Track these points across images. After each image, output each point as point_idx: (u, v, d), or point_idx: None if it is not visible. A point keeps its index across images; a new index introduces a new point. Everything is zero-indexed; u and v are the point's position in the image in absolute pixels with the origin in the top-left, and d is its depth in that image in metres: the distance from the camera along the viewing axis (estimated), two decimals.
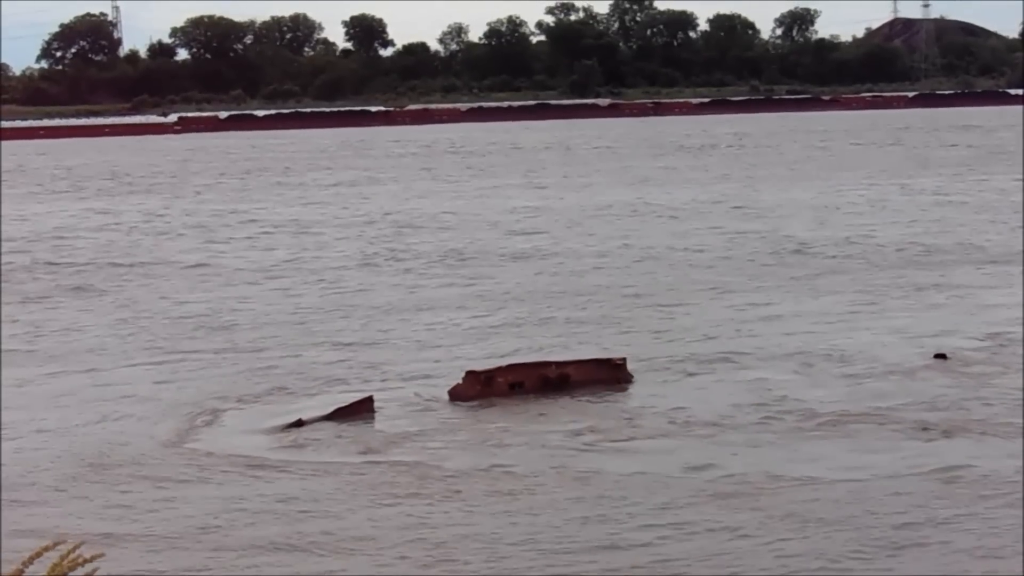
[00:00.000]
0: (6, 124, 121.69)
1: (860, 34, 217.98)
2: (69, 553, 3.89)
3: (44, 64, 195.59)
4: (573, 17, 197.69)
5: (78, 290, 24.43)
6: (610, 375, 15.42)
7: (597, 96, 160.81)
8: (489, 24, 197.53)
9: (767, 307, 20.55)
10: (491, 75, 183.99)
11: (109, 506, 11.34)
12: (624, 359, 15.69)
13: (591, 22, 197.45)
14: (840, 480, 11.44)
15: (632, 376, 15.48)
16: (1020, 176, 43.90)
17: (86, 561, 3.99)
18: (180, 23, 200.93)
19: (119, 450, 13.04)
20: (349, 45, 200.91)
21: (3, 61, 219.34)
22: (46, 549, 4.18)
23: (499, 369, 15.20)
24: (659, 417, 13.81)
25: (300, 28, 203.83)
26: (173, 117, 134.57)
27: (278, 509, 11.10)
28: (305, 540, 10.31)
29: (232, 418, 14.27)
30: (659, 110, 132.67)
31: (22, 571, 4.15)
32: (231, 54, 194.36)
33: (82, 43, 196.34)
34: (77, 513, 11.17)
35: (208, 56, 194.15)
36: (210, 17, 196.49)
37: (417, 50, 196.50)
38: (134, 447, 13.13)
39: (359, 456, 12.64)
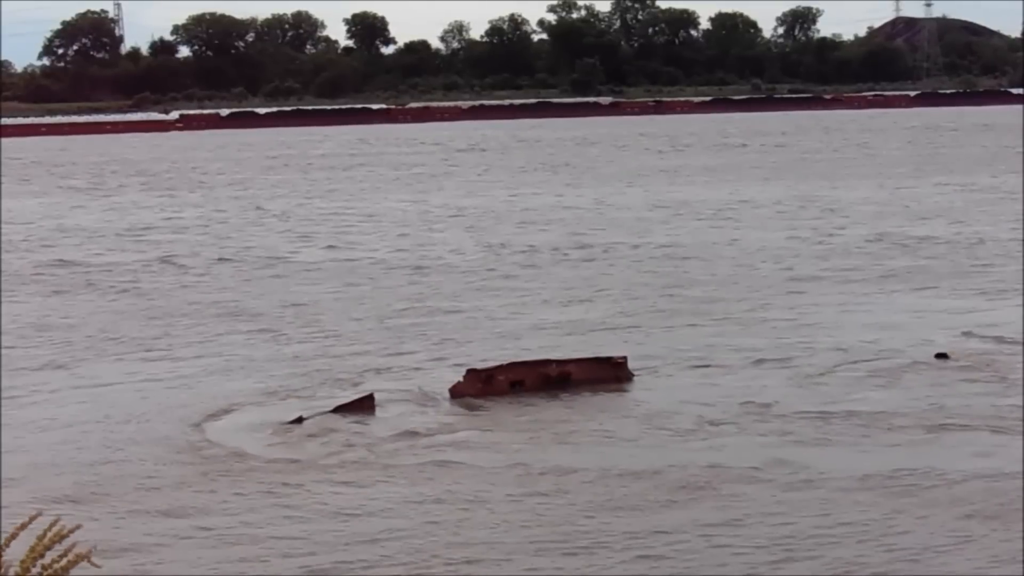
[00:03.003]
0: (7, 121, 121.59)
1: (862, 33, 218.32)
2: (46, 532, 3.79)
3: (46, 61, 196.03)
4: (575, 15, 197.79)
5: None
6: (611, 374, 15.37)
7: (598, 95, 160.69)
8: (491, 22, 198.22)
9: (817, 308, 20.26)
10: (492, 73, 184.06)
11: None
12: (625, 358, 15.62)
13: (593, 20, 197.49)
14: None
15: (632, 375, 15.42)
16: None
17: (62, 537, 3.90)
18: (182, 20, 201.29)
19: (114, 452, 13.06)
20: (351, 43, 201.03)
21: (5, 58, 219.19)
22: (22, 528, 4.08)
23: (499, 367, 15.15)
24: (666, 415, 13.72)
25: (302, 26, 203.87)
26: (175, 114, 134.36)
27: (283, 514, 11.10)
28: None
29: (234, 416, 14.19)
30: (660, 109, 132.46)
31: None
32: (233, 52, 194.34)
33: (84, 40, 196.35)
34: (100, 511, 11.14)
35: (210, 54, 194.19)
36: (212, 15, 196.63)
37: (418, 48, 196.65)
38: (133, 450, 13.12)
39: (360, 456, 12.59)
